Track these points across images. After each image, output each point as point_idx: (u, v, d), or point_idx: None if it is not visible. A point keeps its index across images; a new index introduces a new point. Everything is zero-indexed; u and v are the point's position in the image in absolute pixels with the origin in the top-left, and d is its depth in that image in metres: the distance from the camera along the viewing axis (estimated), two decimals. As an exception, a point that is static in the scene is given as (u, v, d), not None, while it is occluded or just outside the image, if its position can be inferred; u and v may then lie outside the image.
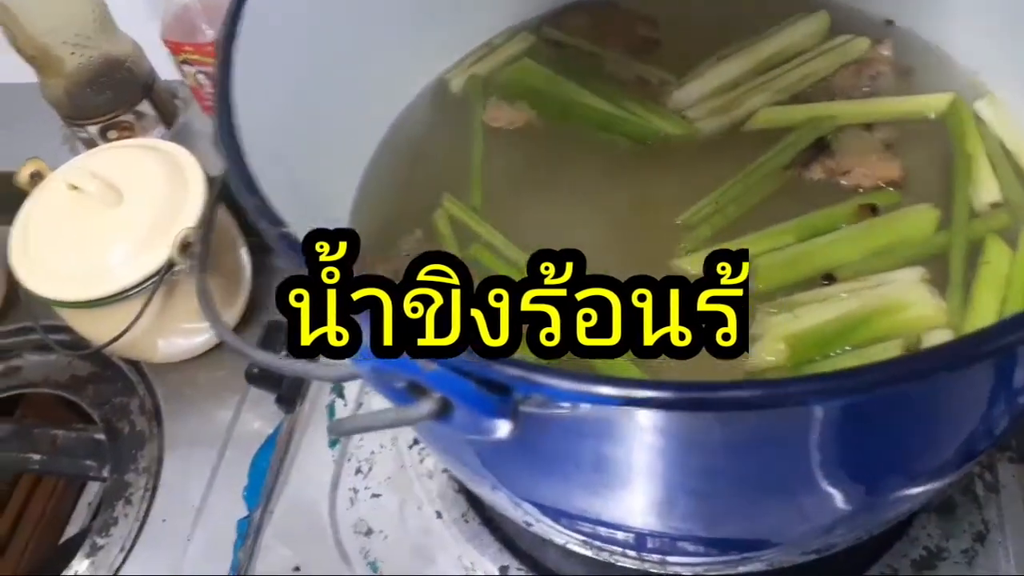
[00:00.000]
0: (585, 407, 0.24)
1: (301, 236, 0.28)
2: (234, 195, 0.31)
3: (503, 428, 0.25)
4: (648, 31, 0.50)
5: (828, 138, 0.46)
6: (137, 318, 0.63)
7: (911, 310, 0.40)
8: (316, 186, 0.44)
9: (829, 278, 0.41)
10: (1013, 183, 0.43)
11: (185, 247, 0.63)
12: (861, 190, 0.44)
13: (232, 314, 0.71)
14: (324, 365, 0.28)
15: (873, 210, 0.43)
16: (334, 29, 0.44)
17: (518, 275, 0.44)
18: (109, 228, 0.64)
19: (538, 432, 0.27)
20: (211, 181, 0.66)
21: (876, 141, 0.46)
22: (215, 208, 0.43)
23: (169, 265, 0.63)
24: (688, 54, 0.50)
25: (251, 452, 0.61)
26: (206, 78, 0.71)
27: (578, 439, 0.28)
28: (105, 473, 0.65)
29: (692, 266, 0.42)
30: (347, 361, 0.26)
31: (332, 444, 0.57)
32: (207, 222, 0.42)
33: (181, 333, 0.69)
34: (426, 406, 0.24)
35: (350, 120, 0.47)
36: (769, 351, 0.39)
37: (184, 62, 0.71)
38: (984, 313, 0.39)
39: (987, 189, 0.43)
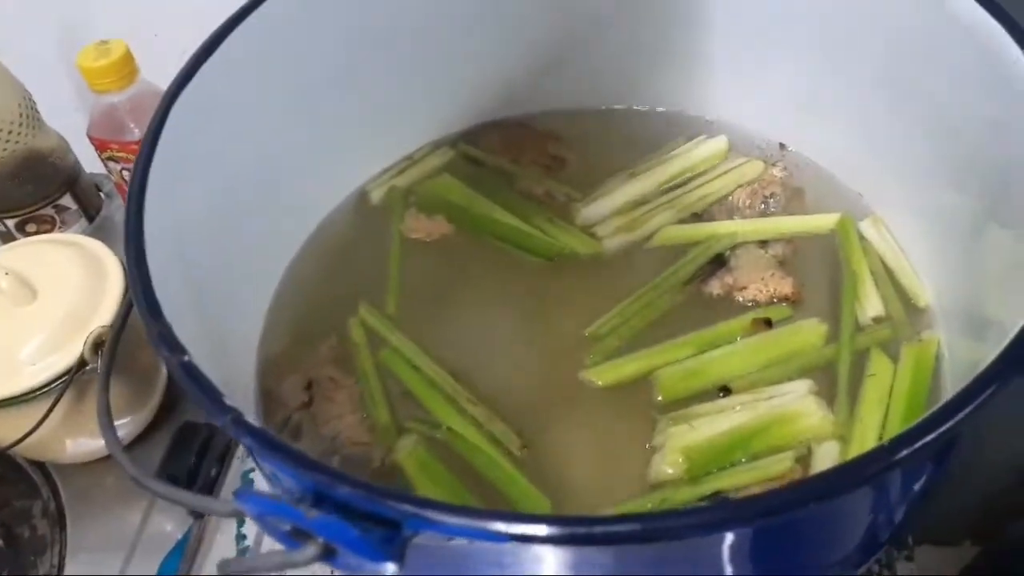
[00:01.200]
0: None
1: (205, 348, 0.29)
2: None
3: (389, 568, 0.25)
4: (557, 149, 0.52)
5: (726, 254, 0.49)
6: (44, 419, 0.61)
7: (801, 421, 0.42)
8: (229, 295, 0.44)
9: (725, 390, 0.43)
10: (894, 299, 0.47)
11: (98, 346, 0.62)
12: (754, 304, 0.47)
13: (144, 415, 0.69)
14: (219, 501, 0.29)
15: (767, 324, 0.45)
16: (255, 137, 0.45)
17: (426, 384, 0.45)
18: (20, 325, 0.62)
19: (427, 565, 0.27)
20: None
21: (770, 257, 0.49)
22: (125, 316, 0.43)
23: (80, 364, 0.61)
24: (595, 171, 0.53)
25: (159, 558, 0.59)
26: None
27: (469, 569, 0.28)
28: (1, 581, 0.62)
29: (599, 378, 0.44)
30: (233, 500, 0.26)
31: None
32: (114, 333, 0.42)
33: (91, 433, 0.67)
34: (311, 550, 0.25)
35: (268, 229, 0.48)
36: (668, 462, 0.40)
37: (109, 159, 0.71)
38: (869, 424, 0.42)
39: (871, 305, 0.46)
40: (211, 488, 0.61)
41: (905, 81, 0.46)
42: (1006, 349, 0.29)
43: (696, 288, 0.48)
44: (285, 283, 0.50)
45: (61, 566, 0.61)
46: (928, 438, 0.26)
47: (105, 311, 0.64)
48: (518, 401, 0.44)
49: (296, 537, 0.25)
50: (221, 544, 0.58)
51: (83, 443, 0.66)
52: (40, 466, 0.68)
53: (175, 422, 0.69)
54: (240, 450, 0.62)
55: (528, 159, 0.53)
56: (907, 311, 0.46)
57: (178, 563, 0.59)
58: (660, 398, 0.43)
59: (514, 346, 0.46)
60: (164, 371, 0.70)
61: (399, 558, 0.25)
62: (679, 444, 0.40)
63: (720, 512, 0.24)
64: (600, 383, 0.44)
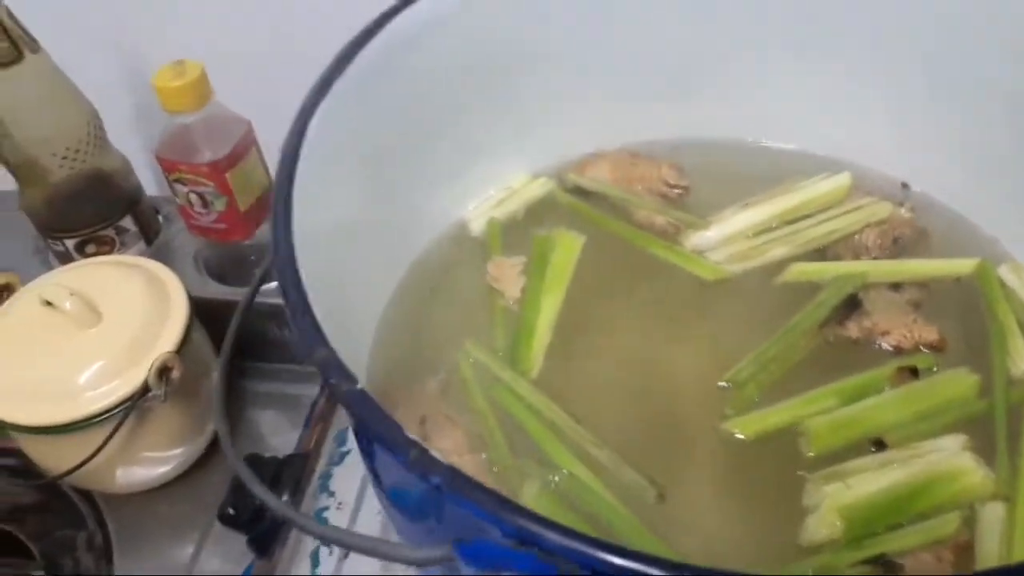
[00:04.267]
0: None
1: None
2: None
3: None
4: (678, 179, 0.50)
5: (859, 296, 0.46)
6: (103, 446, 0.58)
7: (962, 480, 0.39)
8: (341, 323, 0.41)
9: (878, 443, 0.40)
10: (1046, 351, 0.43)
11: (163, 373, 0.60)
12: (897, 350, 0.44)
13: (201, 443, 0.66)
14: (424, 550, 0.25)
15: (913, 373, 0.42)
16: (374, 168, 0.42)
17: (544, 425, 0.42)
18: (82, 349, 0.60)
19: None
20: (192, 302, 0.63)
21: (904, 301, 0.46)
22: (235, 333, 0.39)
23: (143, 390, 0.59)
24: (717, 203, 0.50)
25: (211, 598, 0.56)
26: (198, 197, 0.69)
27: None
28: (40, 616, 0.59)
29: (742, 430, 0.40)
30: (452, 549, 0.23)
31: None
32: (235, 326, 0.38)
33: (144, 463, 0.64)
34: None
35: (372, 262, 0.45)
36: (824, 524, 0.37)
37: (176, 180, 0.69)
38: (1034, 485, 0.38)
39: (1022, 357, 0.43)
40: (279, 527, 0.58)
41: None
42: None
43: (832, 331, 0.44)
44: (387, 318, 0.47)
45: (106, 602, 0.57)
46: None
47: (169, 336, 0.61)
48: (647, 449, 0.41)
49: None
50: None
51: (135, 472, 0.63)
52: (86, 495, 0.65)
53: (239, 446, 0.66)
54: (312, 487, 0.59)
55: (643, 189, 0.50)
56: (1060, 364, 0.43)
57: (238, 605, 0.55)
58: (811, 452, 0.40)
59: (642, 391, 0.43)
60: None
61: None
62: (837, 504, 0.37)
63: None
64: (743, 435, 0.40)
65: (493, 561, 0.22)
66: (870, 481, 0.38)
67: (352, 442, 0.61)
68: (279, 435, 0.65)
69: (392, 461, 0.25)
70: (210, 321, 0.64)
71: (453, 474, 0.24)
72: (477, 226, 0.51)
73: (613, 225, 0.50)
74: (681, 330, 0.46)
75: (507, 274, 0.47)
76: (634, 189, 0.51)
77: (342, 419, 0.63)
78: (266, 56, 0.73)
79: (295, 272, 0.29)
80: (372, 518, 0.57)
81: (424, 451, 0.24)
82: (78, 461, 0.59)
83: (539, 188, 0.52)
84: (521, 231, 0.51)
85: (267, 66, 0.72)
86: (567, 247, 0.48)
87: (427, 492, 0.25)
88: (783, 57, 0.50)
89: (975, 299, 0.46)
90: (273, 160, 0.70)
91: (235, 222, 0.71)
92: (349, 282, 0.42)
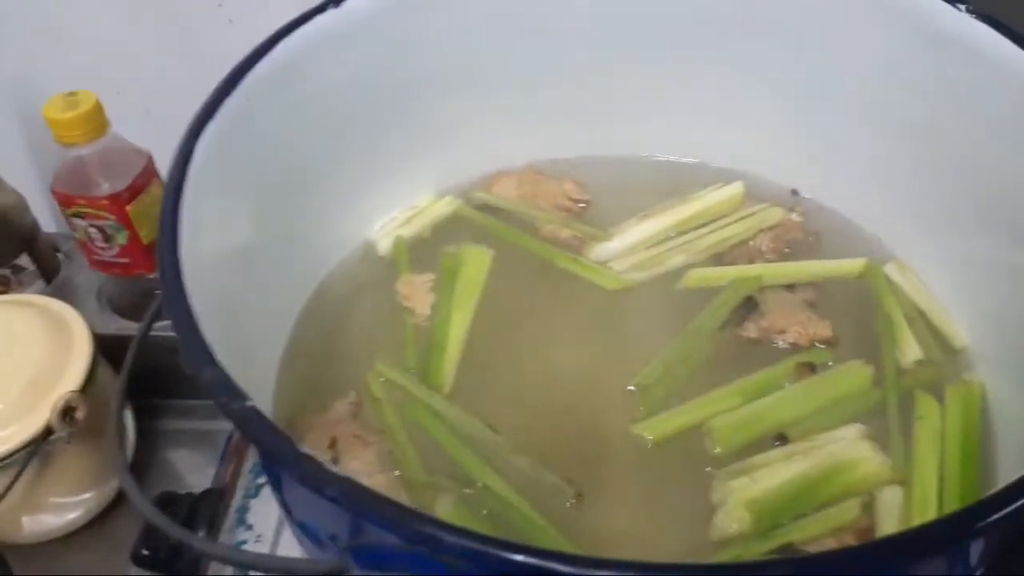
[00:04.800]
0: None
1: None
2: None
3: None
4: (580, 194, 0.51)
5: (756, 298, 0.47)
6: (5, 492, 0.56)
7: (861, 468, 0.40)
8: (242, 350, 0.41)
9: (781, 438, 0.41)
10: (930, 341, 0.46)
11: (67, 413, 0.58)
12: (793, 347, 0.46)
13: (112, 485, 0.64)
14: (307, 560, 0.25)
15: (811, 368, 0.44)
16: (272, 191, 0.42)
17: (459, 439, 0.42)
18: (-27, 393, 0.57)
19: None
20: (96, 339, 0.62)
21: (799, 301, 0.48)
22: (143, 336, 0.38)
23: (47, 432, 0.57)
24: (617, 216, 0.51)
25: (128, 658, 0.54)
26: (98, 232, 0.67)
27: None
28: None
29: (650, 432, 0.41)
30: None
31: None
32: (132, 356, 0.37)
33: (51, 509, 0.61)
34: None
35: (277, 282, 0.45)
36: (733, 519, 0.38)
37: (75, 215, 0.67)
38: (928, 467, 0.41)
39: (910, 347, 0.46)
40: (197, 563, 0.56)
41: (929, 128, 0.46)
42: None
43: (731, 332, 0.46)
44: (294, 343, 0.46)
45: (19, 667, 0.54)
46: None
47: (72, 376, 0.59)
48: (562, 455, 0.41)
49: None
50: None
51: (42, 521, 0.61)
52: (-12, 548, 0.61)
53: (153, 486, 0.64)
54: (229, 521, 0.57)
55: (548, 204, 0.51)
56: (945, 353, 0.46)
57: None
58: (717, 450, 0.41)
59: (553, 398, 0.44)
60: (132, 440, 0.66)
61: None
62: (743, 498, 0.38)
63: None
64: (652, 437, 0.41)
65: (383, 562, 0.22)
66: (774, 474, 0.39)
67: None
68: (195, 472, 0.64)
69: (291, 481, 0.25)
70: (117, 360, 0.63)
71: (347, 484, 0.23)
72: (384, 246, 0.51)
73: (520, 239, 0.51)
74: (589, 338, 0.47)
75: (416, 292, 0.47)
76: (539, 205, 0.52)
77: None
78: (165, 87, 0.71)
79: (180, 291, 0.29)
80: (291, 549, 0.56)
81: (317, 464, 0.24)
82: (-27, 512, 0.56)
83: (445, 207, 0.53)
84: (429, 249, 0.51)
85: (167, 97, 0.71)
86: (475, 262, 0.49)
87: (328, 512, 0.25)
88: (676, 76, 0.52)
89: (863, 296, 0.49)
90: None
91: (139, 255, 0.70)
92: (249, 307, 0.41)
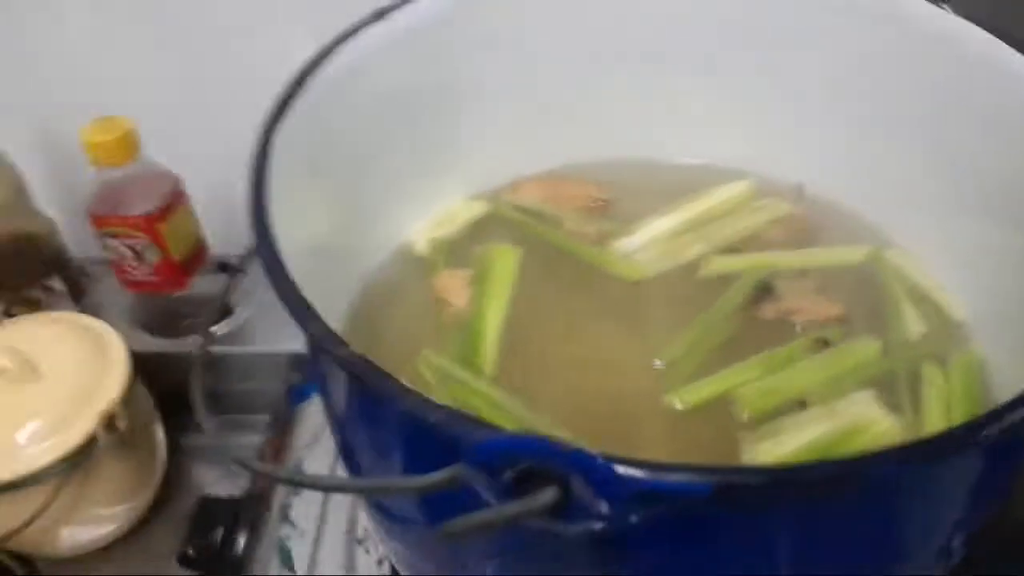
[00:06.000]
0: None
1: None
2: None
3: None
4: (600, 193, 0.55)
5: (770, 283, 0.51)
6: (50, 503, 0.57)
7: (874, 428, 0.44)
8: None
9: (801, 404, 0.45)
10: (932, 317, 0.50)
11: (110, 421, 0.60)
12: (808, 325, 0.49)
13: (146, 497, 0.66)
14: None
15: (825, 343, 0.48)
16: (327, 192, 0.46)
17: (499, 413, 0.45)
18: (21, 405, 0.60)
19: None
20: (134, 356, 0.64)
21: (811, 285, 0.51)
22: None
23: (91, 441, 0.59)
24: (636, 213, 0.55)
25: None
26: (131, 251, 0.70)
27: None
28: None
29: (681, 399, 0.45)
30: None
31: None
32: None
33: (90, 521, 0.63)
34: (549, 494, 0.24)
35: (331, 280, 0.48)
36: (764, 476, 0.41)
37: (108, 235, 0.70)
38: (935, 426, 0.44)
39: (913, 322, 0.49)
40: (240, 566, 0.58)
41: (922, 124, 0.50)
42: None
43: (750, 314, 0.50)
44: (346, 333, 0.49)
45: None
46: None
47: (111, 386, 0.61)
48: (598, 429, 0.44)
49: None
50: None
51: (81, 532, 0.62)
52: (27, 562, 0.63)
53: (182, 500, 0.66)
54: (272, 521, 0.60)
55: (572, 206, 0.55)
56: (945, 326, 0.49)
57: None
58: (745, 415, 0.44)
59: (590, 375, 0.47)
60: (163, 454, 0.67)
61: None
62: (770, 458, 0.42)
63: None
64: (682, 405, 0.45)
65: (503, 454, 0.25)
66: (797, 436, 0.43)
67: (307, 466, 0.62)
68: (229, 484, 0.65)
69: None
70: (146, 375, 0.65)
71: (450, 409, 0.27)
72: (421, 246, 0.55)
73: (548, 235, 0.54)
74: (616, 324, 0.50)
75: (454, 285, 0.51)
76: (563, 206, 0.55)
77: (292, 453, 0.64)
78: (191, 114, 0.75)
79: (276, 258, 0.32)
80: (335, 545, 0.58)
81: (421, 394, 0.27)
82: (20, 523, 0.58)
83: (477, 209, 0.56)
84: (463, 249, 0.54)
85: (193, 123, 0.74)
86: (507, 258, 0.52)
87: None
88: (684, 85, 0.56)
89: (869, 280, 0.52)
90: (202, 214, 0.72)
91: (169, 274, 0.72)
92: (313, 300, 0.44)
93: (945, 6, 0.46)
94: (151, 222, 0.68)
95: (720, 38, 0.54)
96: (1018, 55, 0.44)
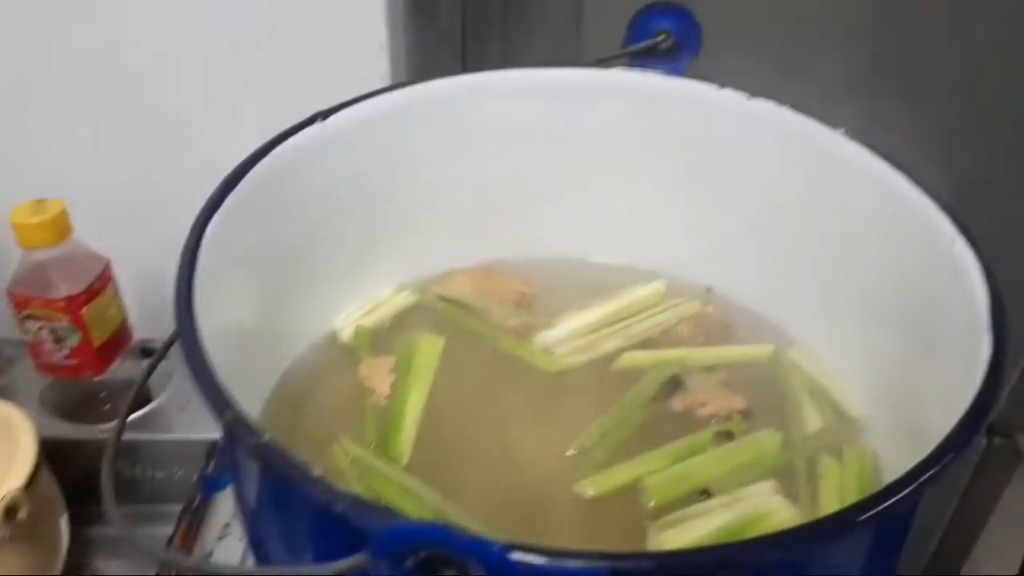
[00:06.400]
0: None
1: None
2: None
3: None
4: (526, 288, 0.58)
5: (680, 377, 0.54)
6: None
7: (775, 517, 0.46)
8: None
9: (705, 493, 0.47)
10: (829, 412, 0.53)
11: (10, 512, 0.58)
12: (714, 418, 0.52)
13: (48, 585, 0.63)
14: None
15: (729, 435, 0.50)
16: (256, 280, 0.47)
17: (411, 502, 0.45)
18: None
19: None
20: (42, 442, 0.63)
21: (717, 380, 0.54)
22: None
23: (-14, 536, 0.57)
24: (557, 308, 0.58)
25: None
26: (51, 334, 0.70)
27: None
28: None
29: (592, 488, 0.46)
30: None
31: None
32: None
33: (-5, 622, 0.60)
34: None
35: (254, 364, 0.49)
36: (667, 564, 0.43)
37: (28, 317, 0.69)
38: (831, 515, 0.46)
39: (811, 417, 0.53)
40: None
41: (817, 233, 0.55)
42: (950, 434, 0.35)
43: (660, 405, 0.52)
44: (265, 417, 0.50)
45: None
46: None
47: (17, 473, 0.60)
48: (511, 517, 0.46)
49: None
50: None
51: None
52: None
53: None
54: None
55: (498, 299, 0.57)
56: (842, 421, 0.53)
57: None
58: (652, 503, 0.46)
59: (503, 461, 0.48)
60: (64, 547, 0.65)
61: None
62: (674, 545, 0.43)
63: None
64: (592, 492, 0.46)
65: (404, 541, 0.26)
66: (701, 524, 0.45)
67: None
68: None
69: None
70: (56, 462, 0.64)
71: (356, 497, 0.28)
72: (347, 333, 0.56)
73: (472, 326, 0.56)
74: (533, 413, 0.52)
75: (377, 372, 0.52)
76: (490, 298, 0.58)
77: (203, 544, 0.63)
78: (128, 200, 0.75)
79: (196, 343, 0.33)
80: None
81: (329, 482, 0.28)
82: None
83: (404, 299, 0.58)
84: (388, 337, 0.56)
85: (130, 209, 0.75)
86: (430, 347, 0.54)
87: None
88: (606, 193, 0.60)
89: (771, 376, 0.56)
90: (131, 298, 0.72)
91: (87, 359, 0.72)
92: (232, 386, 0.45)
93: (839, 130, 0.51)
94: (74, 305, 0.68)
95: (640, 152, 0.58)
96: (900, 175, 0.49)
